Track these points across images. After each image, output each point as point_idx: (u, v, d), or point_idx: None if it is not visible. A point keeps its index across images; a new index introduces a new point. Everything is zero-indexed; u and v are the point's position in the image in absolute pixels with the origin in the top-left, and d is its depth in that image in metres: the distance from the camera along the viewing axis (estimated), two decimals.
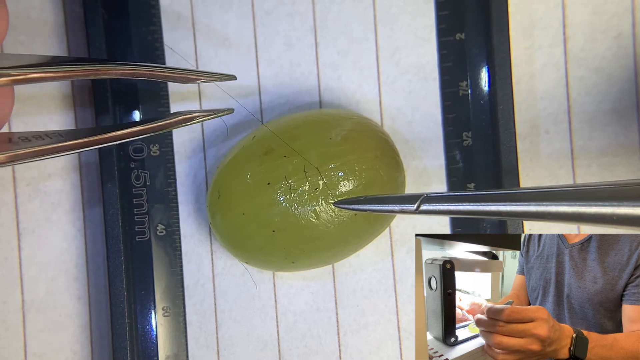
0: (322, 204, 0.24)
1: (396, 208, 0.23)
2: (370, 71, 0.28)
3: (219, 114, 0.25)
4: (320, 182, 0.24)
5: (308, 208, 0.24)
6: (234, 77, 0.25)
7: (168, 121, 0.24)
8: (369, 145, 0.25)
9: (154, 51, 0.27)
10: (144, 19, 0.27)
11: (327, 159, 0.25)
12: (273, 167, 0.25)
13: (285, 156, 0.25)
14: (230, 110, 0.25)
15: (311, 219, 0.24)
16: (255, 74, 0.28)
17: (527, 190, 0.21)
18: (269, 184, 0.25)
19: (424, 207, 0.22)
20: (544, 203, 0.20)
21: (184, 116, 0.24)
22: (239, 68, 0.28)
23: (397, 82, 0.28)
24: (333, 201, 0.24)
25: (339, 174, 0.25)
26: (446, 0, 0.28)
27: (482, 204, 0.21)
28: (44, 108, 0.27)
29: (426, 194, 0.22)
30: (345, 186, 0.25)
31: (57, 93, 0.28)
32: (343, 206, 0.24)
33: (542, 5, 0.28)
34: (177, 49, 0.28)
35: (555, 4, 0.28)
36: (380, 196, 0.24)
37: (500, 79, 0.27)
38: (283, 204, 0.24)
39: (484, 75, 0.28)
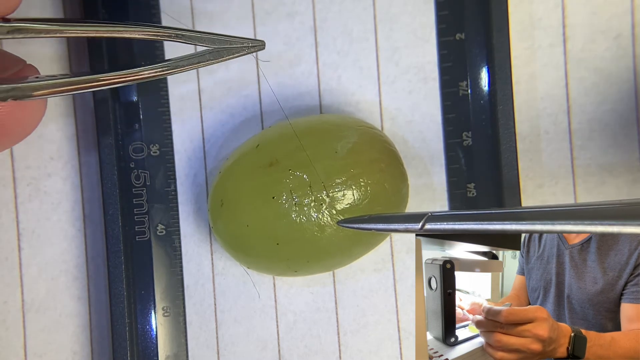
0: (327, 218, 0.24)
1: (400, 227, 0.23)
2: (370, 71, 0.28)
3: (249, 50, 0.23)
4: (326, 198, 0.24)
5: (313, 222, 0.24)
6: (262, 44, 0.23)
7: (191, 59, 0.22)
8: (374, 157, 0.25)
9: (154, 51, 0.27)
10: (144, 19, 0.27)
11: (333, 173, 0.24)
12: (278, 179, 0.25)
13: (290, 169, 0.25)
14: (261, 45, 0.23)
15: (315, 232, 0.24)
16: (255, 74, 0.28)
17: (533, 209, 0.21)
18: (273, 197, 0.24)
19: (428, 226, 0.22)
20: (550, 222, 0.20)
21: (211, 53, 0.22)
22: (238, 68, 0.28)
23: (397, 82, 0.28)
24: (337, 219, 0.24)
25: (345, 189, 0.24)
26: (446, 0, 0.28)
27: (488, 222, 0.21)
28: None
29: (430, 213, 0.22)
30: (351, 201, 0.24)
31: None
32: (347, 225, 0.24)
33: (542, 5, 0.28)
34: (177, 50, 0.28)
35: (555, 4, 0.28)
36: (384, 215, 0.24)
37: (500, 79, 0.27)
38: (288, 218, 0.24)
39: (484, 75, 0.28)
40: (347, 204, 0.24)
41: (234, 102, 0.28)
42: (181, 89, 0.28)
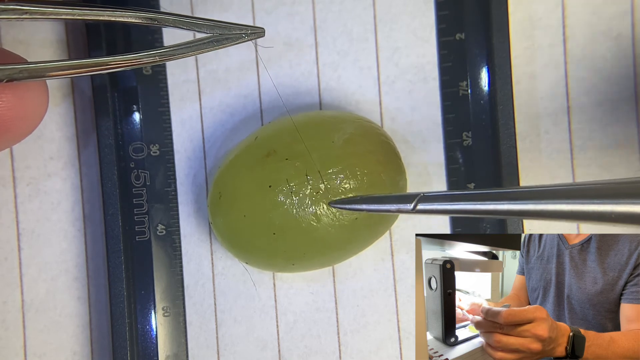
0: (323, 207, 0.24)
1: (393, 207, 0.23)
2: (370, 71, 0.28)
3: (249, 37, 0.23)
4: (322, 186, 0.24)
5: (309, 211, 0.24)
6: (262, 30, 0.23)
7: (190, 46, 0.22)
8: (371, 148, 0.25)
9: (152, 38, 0.27)
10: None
11: (329, 162, 0.25)
12: (275, 169, 0.25)
13: (287, 159, 0.25)
14: (261, 32, 0.23)
15: (312, 222, 0.24)
16: (255, 74, 0.28)
17: (526, 189, 0.21)
18: (270, 186, 0.25)
19: (420, 207, 0.22)
20: (543, 201, 0.20)
21: (209, 40, 0.22)
22: (239, 68, 0.28)
23: (397, 82, 0.28)
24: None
25: (341, 178, 0.25)
26: (446, 0, 0.28)
27: (480, 202, 0.21)
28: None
29: (423, 193, 0.22)
30: (347, 190, 0.25)
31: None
32: (339, 206, 0.24)
33: (542, 5, 0.28)
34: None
35: (555, 4, 0.28)
36: (376, 196, 0.24)
37: (500, 79, 0.27)
38: (284, 207, 0.24)
39: (484, 75, 0.28)
40: (343, 193, 0.24)
41: (233, 102, 0.28)
42: (181, 89, 0.28)
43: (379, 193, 0.25)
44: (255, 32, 0.23)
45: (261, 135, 0.26)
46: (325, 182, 0.24)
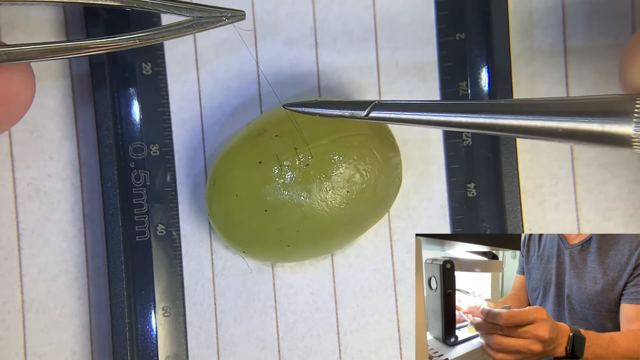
0: (313, 181, 0.24)
1: (346, 113, 0.23)
2: (370, 71, 0.28)
3: (230, 20, 0.23)
4: (311, 160, 0.24)
5: (299, 186, 0.25)
6: (242, 13, 0.23)
7: (169, 30, 0.22)
8: (361, 124, 0.25)
9: (154, 50, 0.27)
10: (144, 21, 0.27)
11: (317, 136, 0.25)
12: (265, 146, 0.25)
13: (277, 135, 0.25)
14: (241, 15, 0.23)
15: (302, 197, 0.25)
16: (255, 74, 0.28)
17: (480, 102, 0.22)
18: (260, 162, 0.25)
19: (374, 114, 0.23)
20: (493, 116, 0.21)
21: (191, 23, 0.23)
22: (239, 69, 0.28)
23: (397, 82, 0.28)
24: (325, 182, 0.24)
25: (329, 150, 0.25)
26: (446, 0, 0.28)
27: (433, 113, 0.22)
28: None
29: (378, 100, 0.23)
30: (336, 163, 0.25)
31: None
32: (292, 108, 0.24)
33: (542, 5, 0.28)
34: (177, 49, 0.28)
35: (555, 4, 0.28)
36: (331, 100, 0.24)
37: (500, 79, 0.27)
38: (274, 182, 0.25)
39: (484, 75, 0.28)
40: (332, 167, 0.25)
41: (233, 102, 0.28)
42: (181, 89, 0.28)
43: (371, 167, 0.25)
44: (235, 15, 0.23)
45: (254, 121, 0.27)
46: (314, 155, 0.24)
